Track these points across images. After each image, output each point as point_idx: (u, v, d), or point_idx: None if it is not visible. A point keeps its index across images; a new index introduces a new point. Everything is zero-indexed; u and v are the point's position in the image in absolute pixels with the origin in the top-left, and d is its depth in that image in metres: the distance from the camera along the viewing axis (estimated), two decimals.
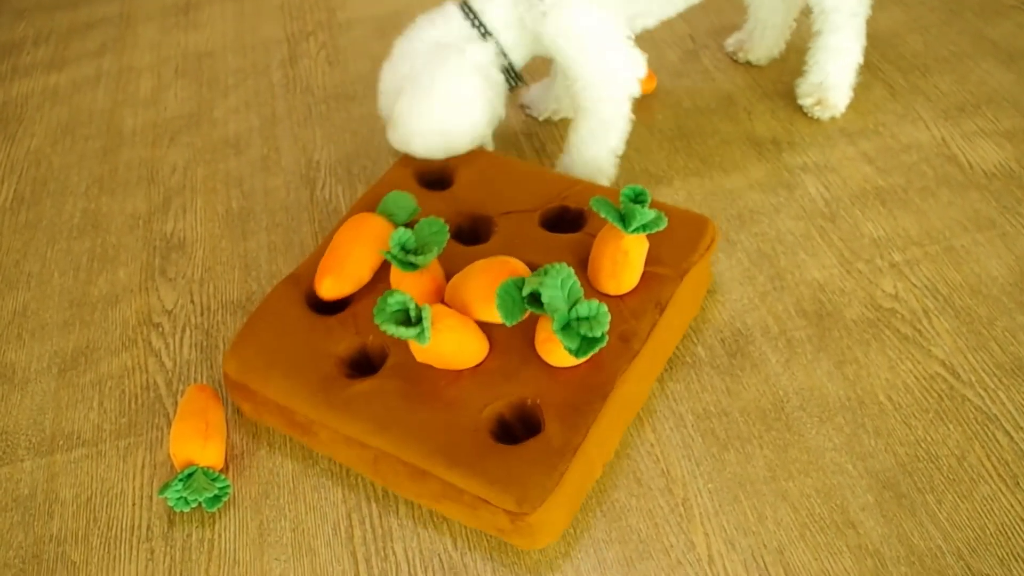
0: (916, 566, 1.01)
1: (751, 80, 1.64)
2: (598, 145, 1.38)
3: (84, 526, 1.13)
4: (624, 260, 1.14)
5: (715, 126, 1.56)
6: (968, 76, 1.60)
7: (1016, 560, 1.01)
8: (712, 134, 1.54)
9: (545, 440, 1.04)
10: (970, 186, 1.40)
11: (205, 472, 1.12)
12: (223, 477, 1.13)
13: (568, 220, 1.29)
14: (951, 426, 1.12)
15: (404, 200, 1.26)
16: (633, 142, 1.52)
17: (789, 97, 1.59)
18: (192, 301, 1.39)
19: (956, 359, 1.18)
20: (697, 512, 1.07)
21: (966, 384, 1.15)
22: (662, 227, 1.13)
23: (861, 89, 1.57)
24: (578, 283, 1.06)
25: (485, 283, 1.11)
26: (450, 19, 1.33)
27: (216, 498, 1.12)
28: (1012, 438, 1.10)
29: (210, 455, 1.14)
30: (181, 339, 1.33)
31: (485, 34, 1.33)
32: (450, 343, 1.07)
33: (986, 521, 1.04)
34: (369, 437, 1.07)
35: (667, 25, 1.72)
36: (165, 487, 1.11)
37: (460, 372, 1.11)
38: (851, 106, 1.55)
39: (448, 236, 1.16)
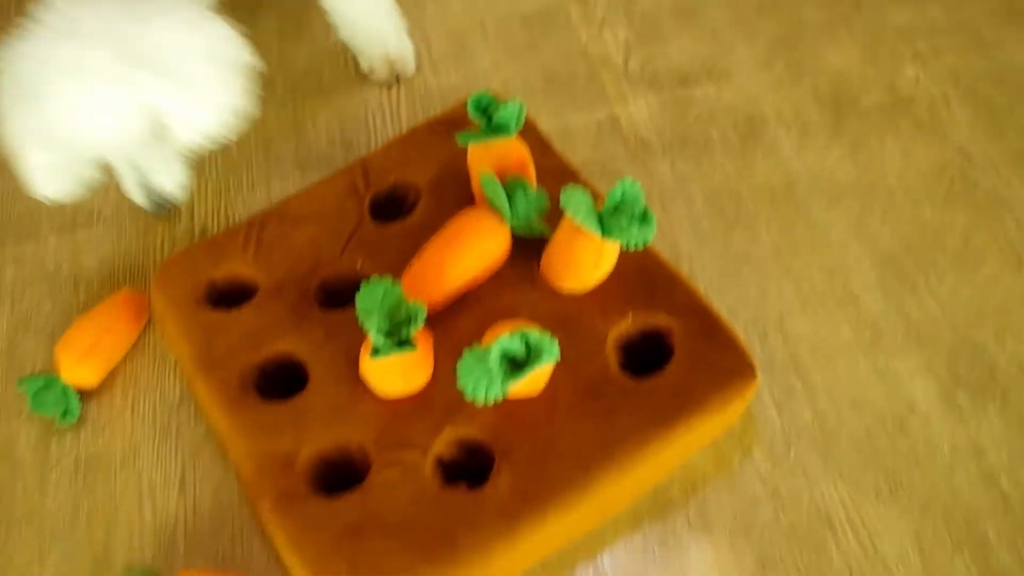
0: (913, 337, 1.04)
1: None
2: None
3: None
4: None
5: None
6: None
7: (1011, 335, 1.03)
8: None
9: (686, 333, 0.97)
10: None
11: (64, 389, 1.08)
12: (76, 404, 1.08)
13: (390, 199, 1.14)
14: (960, 210, 1.12)
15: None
16: None
17: None
18: None
19: (972, 146, 1.17)
20: (701, 285, 1.09)
21: (979, 169, 1.15)
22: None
23: None
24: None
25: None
26: None
27: (64, 416, 1.08)
28: (1020, 223, 1.11)
29: (80, 375, 1.09)
30: None
31: None
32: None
33: (985, 299, 1.06)
34: (582, 494, 0.91)
35: None
36: (24, 380, 1.08)
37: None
38: None
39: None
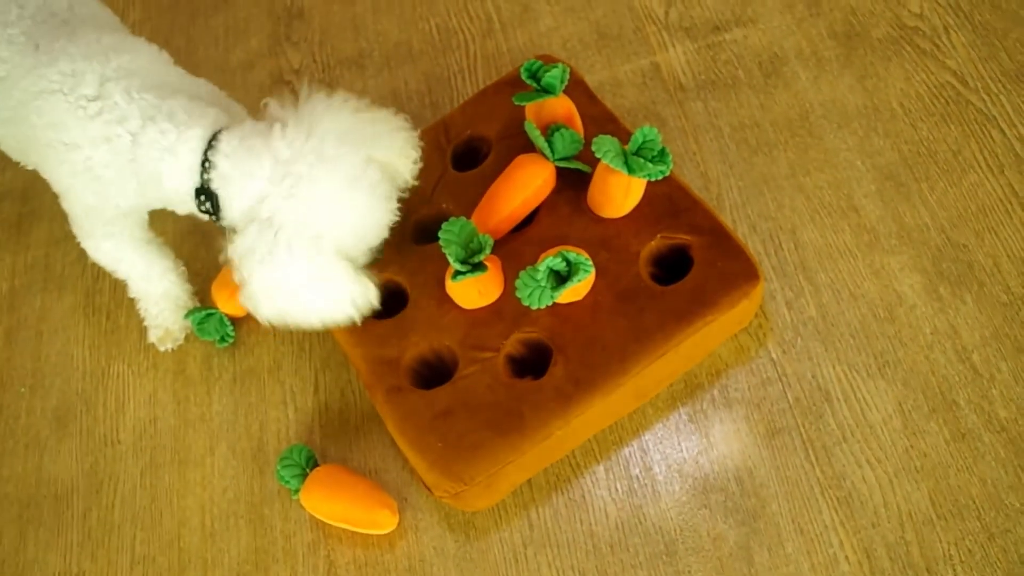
0: (904, 238, 1.23)
1: None
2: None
3: None
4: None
5: None
6: None
7: (989, 233, 1.21)
8: None
9: (702, 246, 1.17)
10: None
11: (221, 319, 1.36)
12: (231, 330, 1.36)
13: (468, 149, 1.37)
14: (952, 126, 1.29)
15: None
16: None
17: None
18: (314, 60, 1.64)
19: (967, 68, 1.33)
20: (727, 204, 1.30)
21: (972, 90, 1.31)
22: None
23: None
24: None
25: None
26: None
27: (222, 340, 1.38)
28: (1005, 135, 1.27)
29: (232, 307, 1.35)
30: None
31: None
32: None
33: (969, 203, 1.23)
34: (620, 380, 1.14)
35: None
36: (190, 313, 1.38)
37: (593, 284, 1.19)
38: None
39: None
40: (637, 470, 1.17)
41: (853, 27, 1.41)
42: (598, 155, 1.15)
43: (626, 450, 1.19)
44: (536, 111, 1.27)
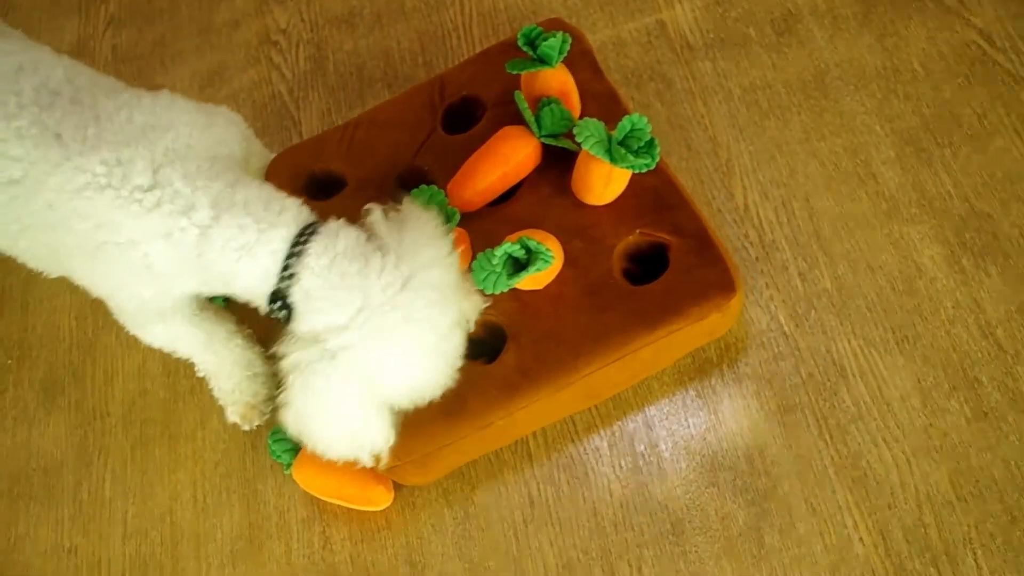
0: (926, 207, 1.17)
1: None
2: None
3: None
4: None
5: None
6: None
7: (1016, 201, 1.15)
8: None
9: (681, 249, 1.11)
10: None
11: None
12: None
13: (462, 111, 1.31)
14: (977, 88, 1.22)
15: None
16: None
17: None
18: (302, 19, 1.58)
19: (994, 27, 1.26)
20: (737, 170, 1.25)
21: (999, 50, 1.24)
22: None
23: None
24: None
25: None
26: None
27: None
28: None
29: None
30: (297, 53, 1.54)
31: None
32: (556, 253, 1.12)
33: (995, 169, 1.17)
34: (570, 377, 1.10)
35: None
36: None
37: (560, 273, 1.14)
38: None
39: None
40: (642, 446, 1.13)
41: None
42: (579, 140, 1.08)
43: (631, 425, 1.14)
44: (528, 81, 1.20)
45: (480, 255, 1.07)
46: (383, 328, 0.94)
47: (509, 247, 1.05)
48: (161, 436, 1.28)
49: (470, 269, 1.08)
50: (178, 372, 1.30)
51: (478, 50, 1.39)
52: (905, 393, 1.08)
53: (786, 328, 1.15)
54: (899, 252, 1.15)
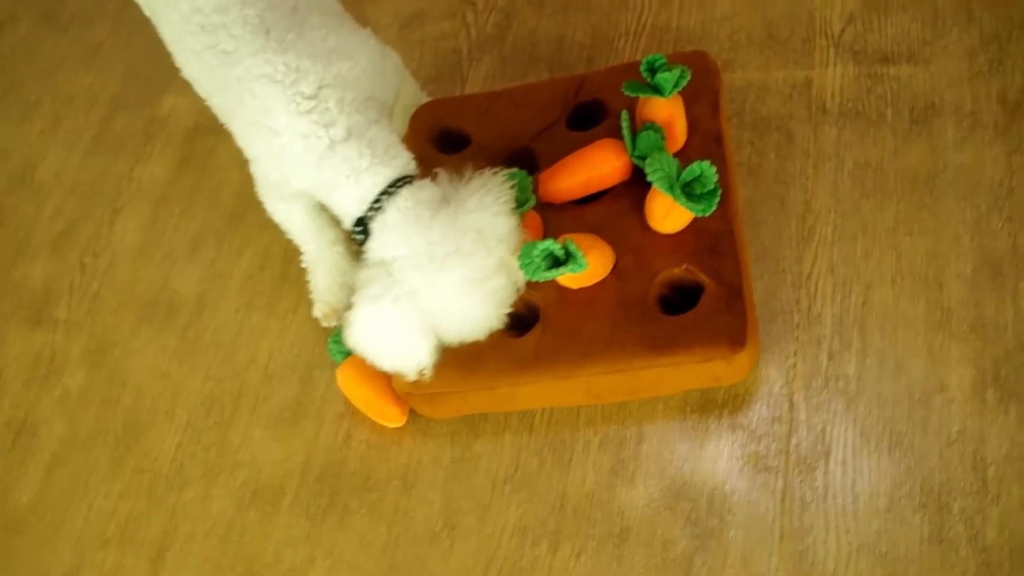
0: (977, 330, 1.16)
1: None
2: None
3: None
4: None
5: None
6: None
7: None
8: None
9: (713, 294, 1.19)
10: None
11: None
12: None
13: (590, 112, 1.39)
14: None
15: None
16: None
17: None
18: None
19: None
20: (817, 237, 1.28)
21: None
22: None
23: None
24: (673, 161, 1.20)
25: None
26: None
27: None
28: None
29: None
30: (488, 18, 1.69)
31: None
32: (595, 259, 1.22)
33: None
34: (572, 373, 1.21)
35: None
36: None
37: (603, 281, 1.24)
38: None
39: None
40: (626, 454, 1.22)
41: None
42: (647, 171, 1.18)
43: (625, 433, 1.23)
44: (641, 105, 1.29)
45: (527, 244, 1.19)
46: (434, 259, 1.13)
47: (551, 244, 1.17)
48: (263, 307, 1.51)
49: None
50: (293, 260, 1.52)
51: (637, 59, 1.48)
52: (875, 493, 1.11)
53: (795, 397, 1.19)
54: (932, 363, 1.16)
